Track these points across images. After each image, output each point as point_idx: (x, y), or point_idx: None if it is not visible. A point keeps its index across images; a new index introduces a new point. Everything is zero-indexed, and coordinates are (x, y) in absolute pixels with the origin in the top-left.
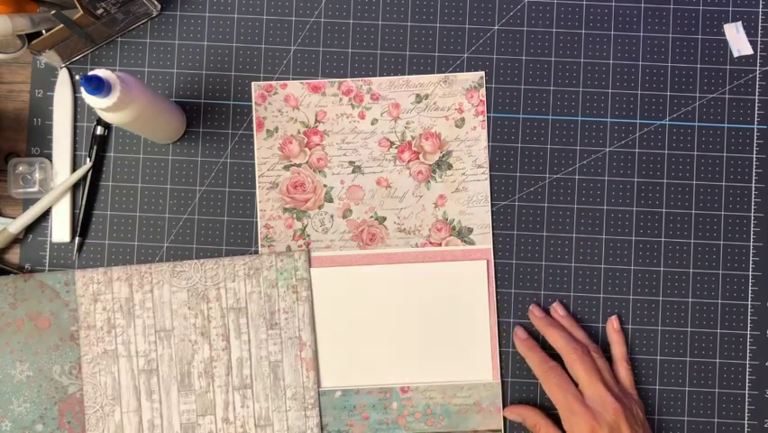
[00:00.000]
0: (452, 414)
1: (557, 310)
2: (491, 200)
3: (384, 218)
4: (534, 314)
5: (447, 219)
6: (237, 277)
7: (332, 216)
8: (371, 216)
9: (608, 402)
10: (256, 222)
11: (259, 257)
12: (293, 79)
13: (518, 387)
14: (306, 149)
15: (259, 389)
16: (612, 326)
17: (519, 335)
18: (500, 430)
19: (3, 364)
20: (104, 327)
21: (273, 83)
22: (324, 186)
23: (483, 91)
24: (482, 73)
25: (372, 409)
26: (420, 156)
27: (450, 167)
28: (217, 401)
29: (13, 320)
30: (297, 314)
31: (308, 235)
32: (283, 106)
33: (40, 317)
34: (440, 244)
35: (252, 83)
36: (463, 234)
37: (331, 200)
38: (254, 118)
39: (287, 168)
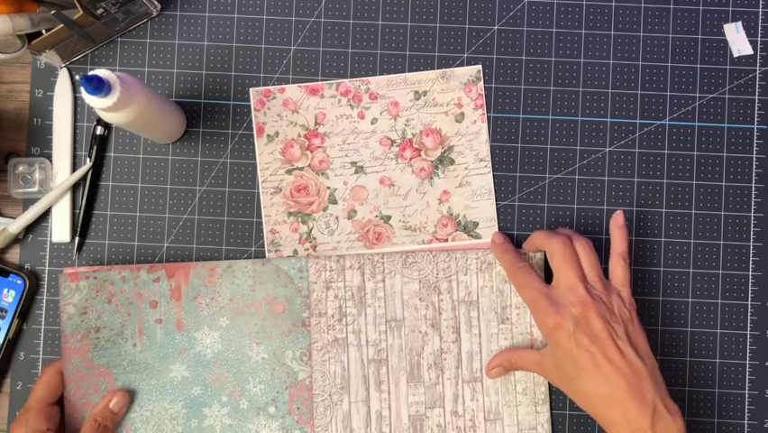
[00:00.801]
0: None
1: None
2: None
3: (389, 217)
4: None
5: (452, 214)
6: (469, 270)
7: (337, 218)
8: (376, 216)
9: (576, 294)
10: (256, 222)
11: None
12: (293, 80)
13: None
14: (308, 152)
15: (489, 383)
16: (615, 222)
17: (495, 239)
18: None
19: (242, 345)
20: (335, 314)
21: (271, 88)
22: (328, 188)
23: (481, 84)
24: (479, 66)
25: None
26: (422, 153)
27: (452, 162)
28: (446, 394)
29: (252, 303)
30: (529, 311)
31: (314, 238)
32: (282, 111)
33: (275, 302)
34: (446, 240)
35: (251, 89)
36: (469, 228)
37: (335, 202)
38: (254, 124)
39: (289, 172)
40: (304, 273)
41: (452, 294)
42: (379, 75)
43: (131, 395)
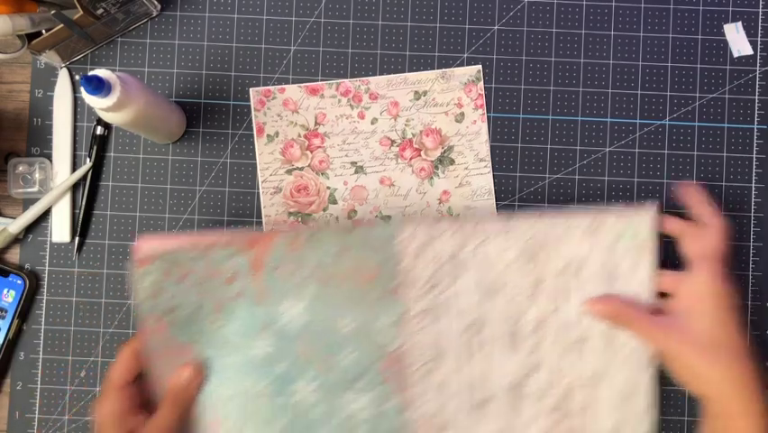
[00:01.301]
0: None
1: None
2: None
3: (389, 217)
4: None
5: (452, 215)
6: (574, 237)
7: (337, 218)
8: (377, 216)
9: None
10: (256, 222)
11: (597, 217)
12: (293, 80)
13: None
14: (308, 152)
15: (590, 350)
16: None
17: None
18: None
19: (329, 316)
20: (427, 282)
21: (271, 88)
22: (328, 188)
23: (481, 85)
24: (479, 66)
25: None
26: (422, 153)
27: (452, 162)
28: (546, 361)
29: (339, 271)
30: (636, 278)
31: None
32: (282, 111)
33: (363, 270)
34: None
35: (251, 89)
36: None
37: (335, 202)
38: (254, 124)
39: (289, 172)
40: (395, 240)
41: (554, 261)
42: (379, 75)
43: (205, 370)
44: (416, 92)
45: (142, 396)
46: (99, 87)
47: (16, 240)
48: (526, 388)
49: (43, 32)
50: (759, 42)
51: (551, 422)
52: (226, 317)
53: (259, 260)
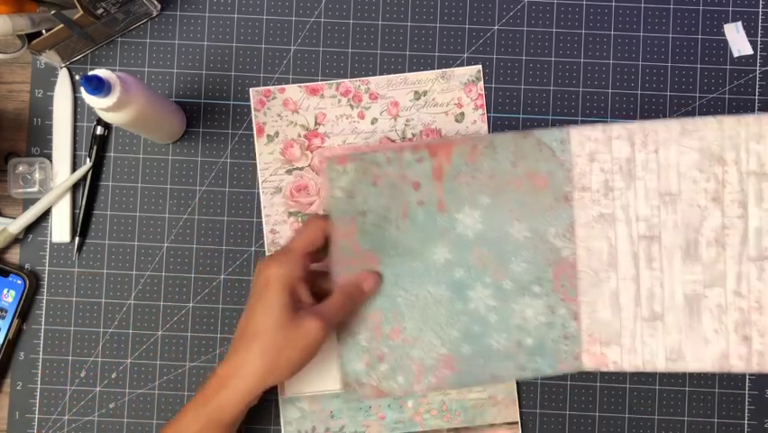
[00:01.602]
0: (467, 409)
1: None
2: None
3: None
4: None
5: None
6: (762, 138)
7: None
8: None
9: None
10: (256, 222)
11: None
12: (293, 80)
13: (526, 384)
14: (308, 152)
15: None
16: None
17: None
18: (517, 422)
19: (503, 223)
20: (600, 189)
21: (271, 88)
22: None
23: (481, 85)
24: (479, 66)
25: (388, 408)
26: None
27: None
28: (728, 273)
29: (513, 178)
30: None
31: None
32: (282, 111)
33: (536, 177)
34: None
35: (251, 89)
36: None
37: None
38: (254, 124)
39: (289, 172)
40: (566, 146)
41: (740, 165)
42: (379, 75)
43: (383, 279)
44: (416, 92)
45: (314, 279)
46: (99, 87)
47: (16, 240)
48: (707, 300)
49: (43, 32)
50: (759, 42)
51: (732, 342)
52: (411, 222)
53: (439, 168)
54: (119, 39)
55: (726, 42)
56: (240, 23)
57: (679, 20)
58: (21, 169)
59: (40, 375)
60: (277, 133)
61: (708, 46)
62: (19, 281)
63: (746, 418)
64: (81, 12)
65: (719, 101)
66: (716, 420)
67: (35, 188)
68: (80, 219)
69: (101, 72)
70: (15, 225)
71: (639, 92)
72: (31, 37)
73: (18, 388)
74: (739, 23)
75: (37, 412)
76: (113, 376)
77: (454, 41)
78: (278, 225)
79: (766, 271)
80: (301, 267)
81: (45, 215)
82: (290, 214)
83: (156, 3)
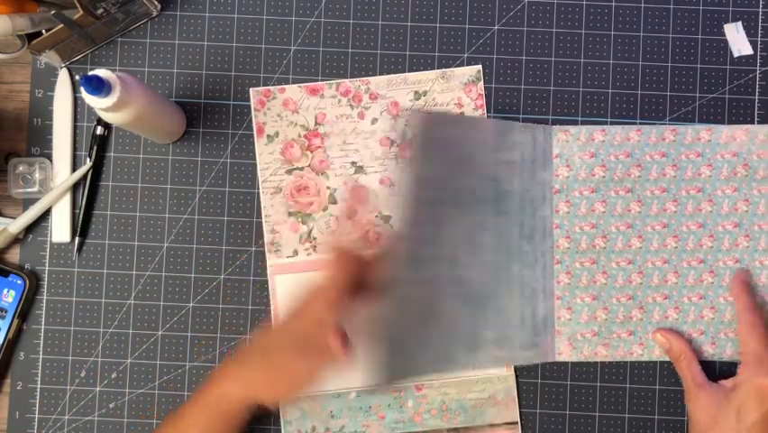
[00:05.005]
0: (467, 409)
1: None
2: None
3: (389, 217)
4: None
5: None
6: None
7: (337, 218)
8: (377, 216)
9: None
10: (256, 222)
11: None
12: (293, 80)
13: (526, 384)
14: (308, 152)
15: None
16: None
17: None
18: (516, 423)
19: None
20: None
21: (271, 88)
22: (328, 188)
23: (481, 85)
24: (479, 66)
25: (388, 408)
26: None
27: None
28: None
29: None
30: None
31: (315, 238)
32: (282, 111)
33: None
34: None
35: (251, 89)
36: None
37: (335, 202)
38: (254, 124)
39: (289, 172)
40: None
41: None
42: (379, 75)
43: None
44: (417, 92)
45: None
46: (99, 87)
47: (16, 240)
48: None
49: (43, 32)
50: (759, 42)
51: None
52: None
53: None
54: (119, 39)
55: (726, 42)
56: (240, 22)
57: (679, 20)
58: (21, 169)
59: (40, 375)
60: (277, 133)
61: (708, 46)
62: (19, 281)
63: None
64: (81, 12)
65: (719, 101)
66: None
67: (35, 188)
68: (80, 219)
69: (101, 72)
70: (15, 225)
71: (639, 92)
72: (31, 37)
73: (18, 388)
74: (739, 23)
75: (37, 412)
76: (113, 376)
77: (454, 41)
78: (278, 225)
79: None
80: (344, 308)
81: (45, 215)
82: (290, 214)
83: (156, 3)
